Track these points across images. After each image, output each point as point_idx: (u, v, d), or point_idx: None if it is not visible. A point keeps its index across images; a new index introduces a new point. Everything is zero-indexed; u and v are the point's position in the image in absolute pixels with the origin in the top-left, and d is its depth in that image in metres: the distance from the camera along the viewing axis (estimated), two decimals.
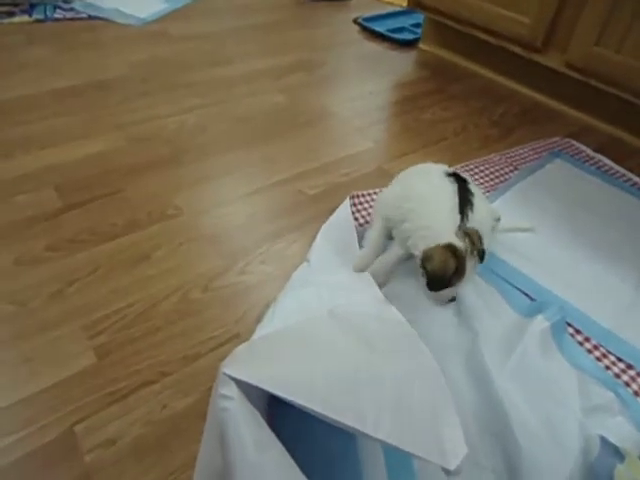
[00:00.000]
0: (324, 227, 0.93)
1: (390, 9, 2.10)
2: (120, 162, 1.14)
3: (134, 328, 0.78)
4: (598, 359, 0.77)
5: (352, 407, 0.47)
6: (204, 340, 0.77)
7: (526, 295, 0.86)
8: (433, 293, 0.77)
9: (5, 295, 0.81)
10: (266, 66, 1.63)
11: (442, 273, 0.73)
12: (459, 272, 0.74)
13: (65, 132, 1.22)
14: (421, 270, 0.75)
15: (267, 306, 0.80)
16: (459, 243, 0.73)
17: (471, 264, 0.75)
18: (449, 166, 0.88)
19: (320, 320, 0.62)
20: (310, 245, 0.92)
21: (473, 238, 0.75)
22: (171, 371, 0.72)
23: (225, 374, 0.41)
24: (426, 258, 0.74)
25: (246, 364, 0.45)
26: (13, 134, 1.20)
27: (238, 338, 0.77)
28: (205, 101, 1.40)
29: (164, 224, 0.98)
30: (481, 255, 0.76)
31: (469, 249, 0.74)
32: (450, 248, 0.73)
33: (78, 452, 0.62)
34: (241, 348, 0.51)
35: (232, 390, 0.40)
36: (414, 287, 0.84)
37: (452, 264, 0.72)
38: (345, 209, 0.98)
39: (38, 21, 1.76)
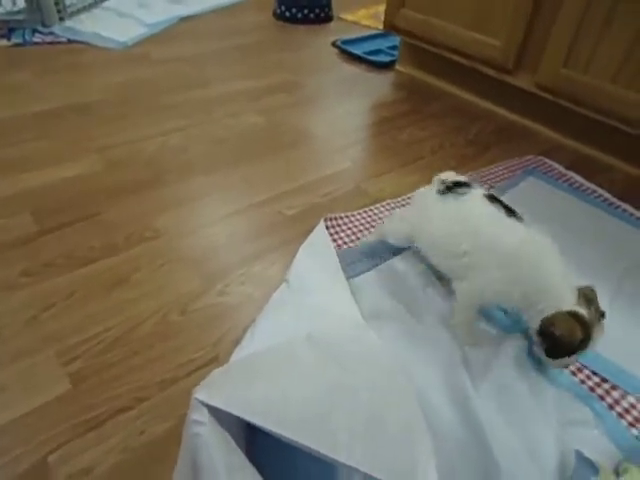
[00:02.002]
0: (302, 248, 0.94)
1: (367, 32, 2.15)
2: (98, 185, 1.13)
3: (111, 353, 0.77)
4: (573, 373, 0.79)
5: (324, 433, 0.47)
6: (182, 363, 0.76)
7: (502, 310, 0.87)
8: (554, 362, 0.72)
9: None
10: (245, 88, 1.65)
11: (569, 341, 0.67)
12: (585, 341, 0.68)
13: (43, 156, 1.21)
14: (538, 337, 0.71)
15: (247, 328, 0.80)
16: (582, 310, 0.67)
17: (599, 330, 0.69)
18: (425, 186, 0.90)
19: (297, 343, 0.63)
20: (289, 266, 0.92)
21: (593, 300, 0.69)
22: (148, 396, 0.71)
23: (197, 399, 0.41)
24: (549, 324, 0.68)
25: (220, 389, 0.45)
26: None
27: (217, 361, 0.77)
28: (185, 123, 1.41)
29: (143, 246, 0.98)
30: (602, 316, 0.70)
31: (595, 316, 0.68)
32: (575, 316, 0.67)
33: None
34: (216, 372, 0.51)
35: (204, 415, 0.40)
36: (397, 305, 0.85)
37: (578, 334, 0.67)
38: (321, 230, 0.99)
39: (17, 45, 1.76)
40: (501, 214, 0.77)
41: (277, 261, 0.97)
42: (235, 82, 1.68)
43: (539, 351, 0.73)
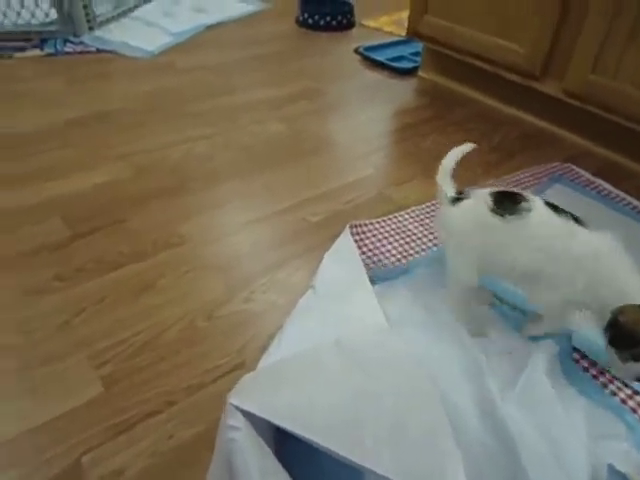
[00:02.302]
0: (328, 254, 0.94)
1: (390, 39, 2.16)
2: (126, 192, 1.16)
3: (139, 357, 0.78)
4: (604, 385, 0.77)
5: (351, 440, 0.47)
6: (209, 369, 0.77)
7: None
8: (623, 366, 0.70)
9: (13, 325, 0.82)
10: (269, 96, 1.67)
11: (633, 328, 0.66)
12: None
13: (73, 163, 1.25)
14: (605, 329, 0.69)
15: (272, 335, 0.80)
16: None
17: None
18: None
19: (323, 350, 0.63)
20: (314, 272, 0.93)
21: None
22: (176, 400, 0.72)
23: (232, 405, 0.42)
24: (618, 312, 0.67)
25: (252, 394, 0.45)
26: (23, 165, 1.23)
27: (243, 367, 0.78)
28: (209, 131, 1.43)
29: (168, 253, 0.99)
30: None
31: None
32: None
33: None
34: (247, 378, 0.52)
35: (239, 420, 0.41)
36: (422, 312, 0.85)
37: None
38: (346, 237, 0.99)
39: (49, 55, 1.81)
40: (571, 224, 0.74)
41: (301, 268, 0.97)
42: (258, 90, 1.70)
43: (608, 351, 0.70)
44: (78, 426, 0.68)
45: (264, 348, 0.78)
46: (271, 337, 0.80)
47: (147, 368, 0.77)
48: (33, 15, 1.89)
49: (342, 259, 0.93)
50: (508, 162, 1.36)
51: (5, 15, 1.85)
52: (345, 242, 0.97)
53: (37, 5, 1.89)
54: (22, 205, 1.09)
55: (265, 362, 0.69)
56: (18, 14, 1.87)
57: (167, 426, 0.69)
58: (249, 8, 2.45)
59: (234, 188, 1.21)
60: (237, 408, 0.42)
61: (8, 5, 1.85)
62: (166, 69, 1.79)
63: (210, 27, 2.19)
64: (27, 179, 1.17)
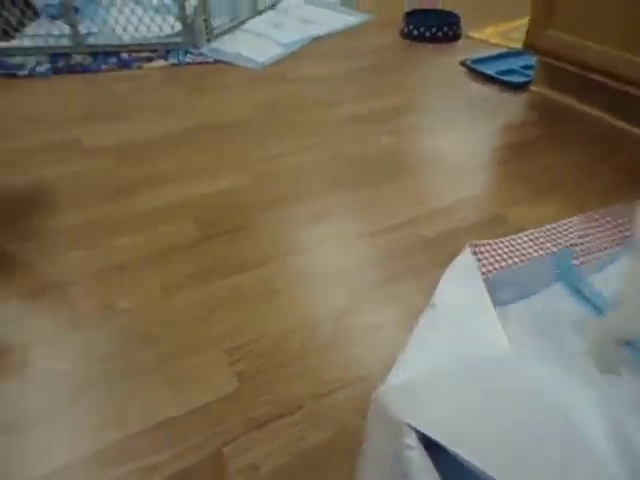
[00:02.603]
0: (447, 273, 0.94)
1: (497, 51, 2.10)
2: (247, 198, 1.23)
3: (266, 359, 0.83)
4: None
5: (495, 466, 0.47)
6: (330, 380, 0.80)
7: None
8: None
9: (153, 318, 0.90)
10: (375, 108, 1.69)
11: None
12: None
13: (197, 169, 1.34)
14: None
15: (389, 349, 0.82)
16: None
17: None
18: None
19: (457, 370, 0.63)
20: (429, 289, 0.93)
21: None
22: (304, 405, 0.76)
23: (408, 425, 0.44)
24: None
25: (415, 412, 0.47)
26: (148, 169, 1.33)
27: (363, 381, 0.80)
28: (317, 141, 1.48)
29: (287, 260, 1.04)
30: None
31: None
32: None
33: (226, 474, 0.67)
34: (393, 393, 0.54)
35: (413, 440, 0.43)
36: (545, 338, 0.82)
37: None
38: (467, 256, 0.98)
39: (173, 65, 1.97)
40: None
41: (416, 283, 0.98)
42: (364, 101, 1.73)
43: None
44: (218, 417, 0.74)
45: (383, 362, 0.79)
46: (389, 351, 0.81)
47: (274, 370, 0.81)
48: (161, 28, 2.05)
49: (463, 278, 0.92)
50: (635, 187, 1.28)
51: (137, 29, 2.03)
52: (466, 261, 0.96)
53: (164, 20, 2.06)
54: (155, 205, 1.20)
55: (396, 379, 0.70)
56: (148, 28, 2.04)
57: (296, 428, 0.72)
58: (353, 19, 2.50)
59: (343, 199, 1.24)
60: (411, 427, 0.43)
61: (140, 20, 2.03)
62: (277, 79, 1.88)
63: (318, 38, 2.26)
64: (158, 182, 1.28)
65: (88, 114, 1.60)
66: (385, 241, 1.10)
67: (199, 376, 0.80)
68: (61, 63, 1.93)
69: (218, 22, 2.21)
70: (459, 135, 1.54)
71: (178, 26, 2.07)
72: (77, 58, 1.96)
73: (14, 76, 1.83)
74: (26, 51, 1.95)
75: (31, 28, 2.10)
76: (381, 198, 1.24)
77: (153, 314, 0.91)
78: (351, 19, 2.51)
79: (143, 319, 0.90)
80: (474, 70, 1.93)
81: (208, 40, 2.11)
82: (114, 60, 1.96)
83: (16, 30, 2.06)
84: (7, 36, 2.01)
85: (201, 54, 2.04)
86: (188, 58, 2.01)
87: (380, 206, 1.21)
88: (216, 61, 2.01)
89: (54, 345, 0.85)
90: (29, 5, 2.17)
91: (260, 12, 2.47)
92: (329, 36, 2.31)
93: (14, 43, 1.98)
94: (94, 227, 1.12)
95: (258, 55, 2.04)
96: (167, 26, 2.07)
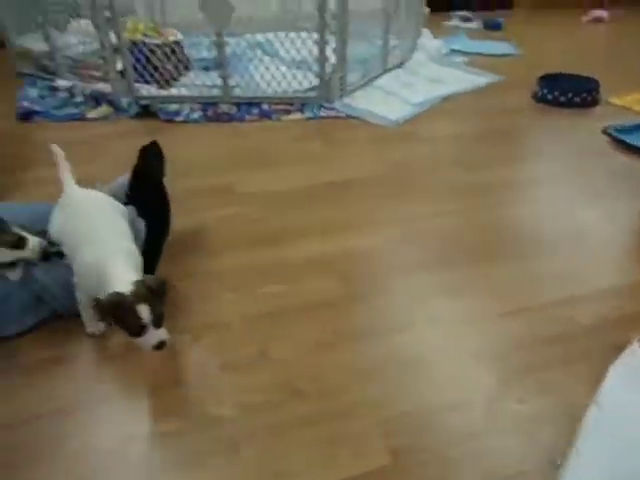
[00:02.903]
0: (614, 371, 0.87)
1: None
2: (385, 261, 1.25)
3: (422, 436, 0.81)
4: None
5: None
6: (489, 469, 0.76)
7: None
8: None
9: (304, 374, 0.93)
10: (511, 174, 1.66)
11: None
12: None
13: (339, 223, 1.39)
14: None
15: (548, 443, 0.77)
16: None
17: None
18: None
19: None
20: (589, 381, 0.87)
21: None
22: None
23: None
24: None
25: None
26: (292, 219, 1.40)
27: (525, 475, 0.76)
28: (452, 207, 1.47)
29: (431, 331, 1.03)
30: None
31: None
32: None
33: None
34: None
35: None
36: None
37: None
38: (636, 356, 0.91)
39: (308, 118, 2.09)
40: None
41: (569, 374, 0.92)
42: (500, 167, 1.70)
43: None
44: None
45: (542, 456, 0.75)
46: (547, 445, 0.77)
47: (429, 450, 0.79)
48: (300, 83, 2.20)
49: (632, 377, 0.85)
50: None
51: (279, 84, 2.20)
52: (636, 362, 0.89)
53: (305, 76, 2.21)
54: (300, 257, 1.25)
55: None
56: (289, 83, 2.20)
57: None
58: (483, 80, 2.51)
59: (485, 272, 1.21)
60: None
61: (283, 76, 2.19)
62: (409, 138, 1.92)
63: (447, 97, 2.29)
64: (301, 233, 1.34)
65: (237, 161, 1.74)
66: (530, 323, 1.05)
67: (349, 443, 0.80)
68: (210, 111, 2.13)
69: (350, 79, 2.32)
70: (604, 211, 1.46)
71: (315, 81, 2.21)
72: (224, 107, 2.16)
73: (172, 121, 2.05)
74: (182, 99, 2.18)
75: (185, 79, 2.35)
76: (522, 274, 1.20)
77: (304, 369, 0.94)
78: (480, 79, 2.52)
79: (294, 373, 0.93)
80: (618, 139, 1.83)
81: (341, 96, 2.22)
82: (256, 111, 2.13)
83: (174, 79, 2.32)
84: (167, 85, 2.27)
85: (334, 109, 2.15)
86: (322, 112, 2.13)
87: (523, 283, 1.17)
88: (348, 116, 2.10)
89: (211, 388, 0.91)
90: (185, 59, 2.44)
91: (389, 70, 2.56)
92: (459, 96, 2.33)
93: (172, 92, 2.23)
94: (245, 272, 1.20)
95: (390, 113, 2.10)
96: (306, 82, 2.21)
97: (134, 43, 2.20)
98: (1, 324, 0.96)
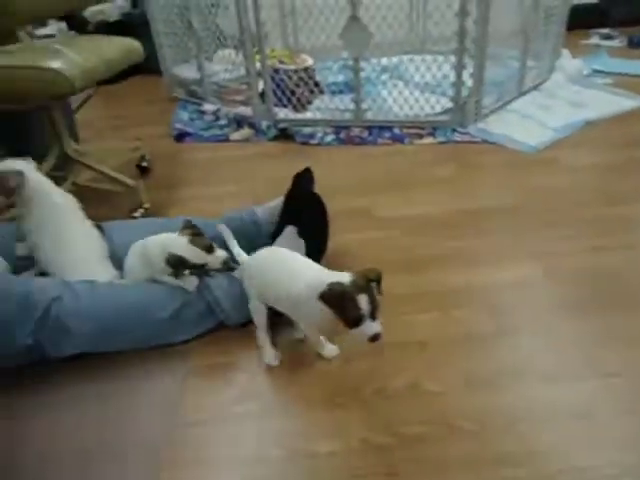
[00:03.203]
0: None
1: None
2: (534, 295, 1.19)
3: None
4: None
5: None
6: None
7: None
8: None
9: (461, 410, 0.91)
10: None
11: None
12: None
13: (475, 252, 1.35)
14: None
15: None
16: None
17: None
18: None
19: None
20: None
21: None
22: None
23: None
24: None
25: None
26: (431, 246, 1.39)
27: None
28: (609, 243, 1.36)
29: (598, 382, 0.96)
30: None
31: None
32: None
33: None
34: None
35: None
36: None
37: None
38: None
39: (441, 142, 2.08)
40: None
41: None
42: None
43: None
44: None
45: None
46: None
47: None
48: (432, 107, 2.20)
49: None
50: None
51: (411, 108, 2.21)
52: None
53: (438, 101, 2.20)
54: (445, 286, 1.23)
55: None
56: (421, 107, 2.21)
57: None
58: (630, 103, 2.31)
59: None
60: None
61: (416, 100, 2.20)
62: (551, 166, 1.82)
63: (591, 123, 2.14)
64: (441, 261, 1.33)
65: (371, 184, 1.78)
66: None
67: None
68: (343, 134, 2.20)
69: (485, 102, 2.27)
70: None
71: (447, 105, 2.19)
72: (356, 130, 2.22)
73: (307, 143, 2.16)
74: (316, 122, 2.28)
75: (319, 102, 2.46)
76: None
77: (460, 405, 0.92)
78: (627, 102, 2.32)
79: (451, 408, 0.92)
80: None
81: (475, 120, 2.18)
82: (388, 134, 2.16)
83: (309, 103, 2.44)
84: (303, 109, 2.39)
85: (468, 133, 2.11)
86: (456, 136, 2.10)
87: None
88: (483, 141, 2.05)
89: (366, 412, 0.93)
90: (317, 83, 2.55)
91: (524, 92, 2.46)
92: (603, 121, 2.17)
93: (308, 115, 2.34)
94: (391, 298, 1.20)
95: (529, 138, 2.01)
96: (438, 106, 2.20)
97: (275, 70, 2.35)
98: (180, 330, 1.07)
